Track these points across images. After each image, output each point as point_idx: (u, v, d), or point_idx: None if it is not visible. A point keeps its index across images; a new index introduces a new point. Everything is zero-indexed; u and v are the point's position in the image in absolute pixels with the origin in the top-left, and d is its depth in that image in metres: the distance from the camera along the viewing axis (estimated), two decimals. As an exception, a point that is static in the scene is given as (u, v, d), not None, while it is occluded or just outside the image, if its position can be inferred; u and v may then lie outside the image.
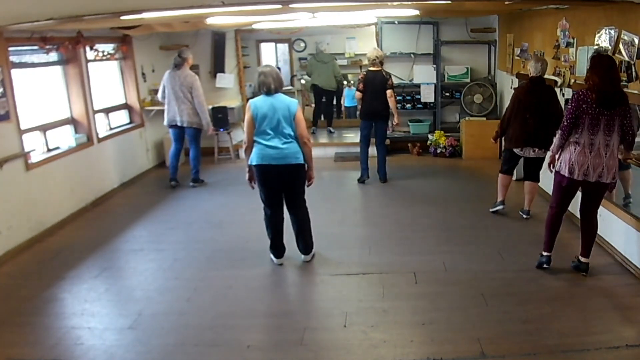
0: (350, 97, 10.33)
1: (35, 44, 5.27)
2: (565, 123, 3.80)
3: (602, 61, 3.64)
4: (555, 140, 3.93)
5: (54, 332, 3.48)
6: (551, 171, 4.08)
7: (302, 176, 4.25)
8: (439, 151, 8.04)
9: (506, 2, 4.61)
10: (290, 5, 4.34)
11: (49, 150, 5.68)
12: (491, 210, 5.47)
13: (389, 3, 4.85)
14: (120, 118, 7.31)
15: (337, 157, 8.21)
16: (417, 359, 3.08)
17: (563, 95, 5.21)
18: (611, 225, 4.30)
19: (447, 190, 6.51)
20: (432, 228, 5.18)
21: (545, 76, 5.02)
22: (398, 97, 7.46)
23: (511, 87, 6.80)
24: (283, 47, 11.94)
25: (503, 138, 5.34)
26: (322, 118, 10.07)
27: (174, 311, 3.75)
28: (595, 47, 4.35)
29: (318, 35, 10.36)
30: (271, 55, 11.90)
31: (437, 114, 8.39)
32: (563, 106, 5.04)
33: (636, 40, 3.77)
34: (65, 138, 5.97)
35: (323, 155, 8.14)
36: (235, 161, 8.19)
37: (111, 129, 6.97)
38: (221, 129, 7.76)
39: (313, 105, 10.45)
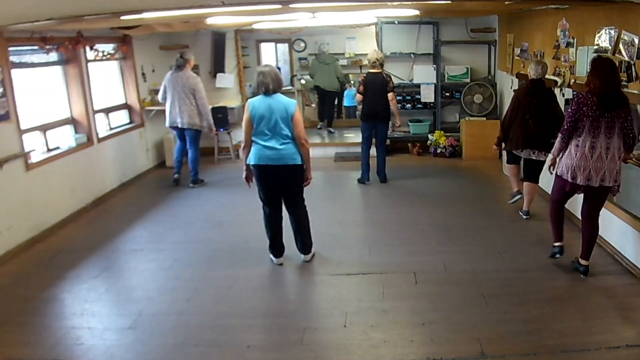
0: (350, 97, 10.34)
1: (35, 44, 5.27)
2: (566, 126, 3.80)
3: (602, 64, 3.65)
4: (556, 143, 3.94)
5: (54, 332, 3.48)
6: (552, 173, 4.09)
7: (300, 177, 4.25)
8: (439, 151, 8.04)
9: (506, 2, 4.61)
10: (290, 5, 4.34)
11: (49, 150, 5.68)
12: (510, 202, 5.57)
13: (389, 3, 4.85)
14: (120, 118, 7.31)
15: (337, 157, 8.21)
16: (417, 359, 3.08)
17: (563, 95, 5.21)
18: (611, 225, 4.29)
19: (447, 190, 6.51)
20: (432, 228, 5.18)
21: (545, 76, 5.02)
22: (398, 97, 7.46)
23: (511, 87, 6.80)
24: (283, 47, 11.93)
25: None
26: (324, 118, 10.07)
27: (174, 311, 3.75)
28: (595, 47, 4.36)
29: (318, 35, 10.36)
30: (271, 55, 11.90)
31: (437, 114, 8.39)
32: (563, 107, 5.04)
33: (636, 40, 3.77)
34: (65, 138, 5.97)
35: (323, 155, 8.15)
36: (235, 161, 8.18)
37: (111, 129, 6.97)
38: (221, 129, 7.76)
39: (313, 105, 10.46)
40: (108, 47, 6.83)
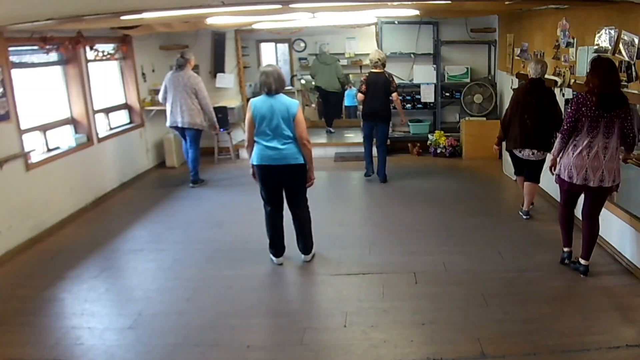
0: (351, 97, 10.34)
1: (35, 44, 5.27)
2: (566, 127, 3.81)
3: (602, 63, 3.65)
4: (556, 143, 3.95)
5: (54, 332, 3.48)
6: (552, 174, 4.09)
7: (302, 176, 4.25)
8: (439, 151, 8.04)
9: (506, 2, 4.61)
10: (290, 5, 4.34)
11: (49, 150, 5.68)
12: (524, 217, 5.33)
13: (389, 3, 4.85)
14: (120, 118, 7.30)
15: (337, 157, 8.21)
16: (417, 359, 3.08)
17: (563, 95, 5.21)
18: (611, 225, 4.29)
19: (447, 190, 6.51)
20: (432, 228, 5.18)
21: (545, 76, 5.02)
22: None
23: (511, 87, 6.80)
24: (283, 47, 11.93)
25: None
26: (323, 118, 10.07)
27: (174, 311, 3.75)
28: (595, 47, 4.35)
29: (318, 35, 10.36)
30: (271, 55, 11.89)
31: (437, 114, 8.39)
32: (563, 108, 5.04)
33: (636, 40, 3.77)
34: (65, 138, 5.97)
35: (323, 155, 8.15)
36: (235, 161, 8.19)
37: (111, 129, 6.96)
38: (221, 129, 7.76)
39: (313, 105, 10.46)
40: (108, 47, 6.82)
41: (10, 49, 4.97)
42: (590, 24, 4.51)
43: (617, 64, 3.79)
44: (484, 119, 7.89)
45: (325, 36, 10.15)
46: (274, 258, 4.46)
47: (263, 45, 11.53)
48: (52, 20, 3.80)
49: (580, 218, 4.04)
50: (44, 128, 5.63)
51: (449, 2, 5.34)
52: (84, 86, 6.16)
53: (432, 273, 4.18)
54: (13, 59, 5.07)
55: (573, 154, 3.78)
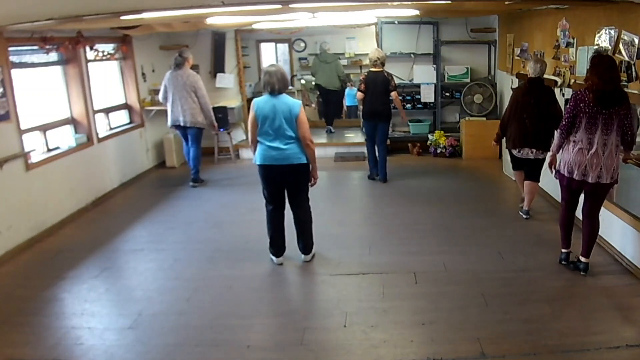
0: (351, 96, 10.33)
1: (35, 44, 5.27)
2: (564, 122, 3.84)
3: (602, 61, 3.66)
4: (555, 139, 3.98)
5: (54, 332, 3.48)
6: (552, 171, 4.09)
7: (305, 176, 4.25)
8: (439, 151, 8.04)
9: (506, 2, 4.61)
10: (290, 5, 4.34)
11: (49, 150, 5.68)
12: (523, 216, 5.33)
13: (389, 3, 4.85)
14: (120, 118, 7.30)
15: (337, 157, 8.20)
16: (417, 359, 3.08)
17: (563, 95, 5.20)
18: (612, 225, 4.30)
19: (447, 190, 6.51)
20: (432, 228, 5.18)
21: (545, 76, 5.02)
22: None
23: (511, 87, 6.80)
24: (283, 47, 11.94)
25: (504, 139, 5.35)
26: (323, 118, 10.07)
27: (174, 311, 3.75)
28: (595, 47, 4.36)
29: (318, 35, 10.37)
30: (271, 55, 11.90)
31: (437, 114, 8.39)
32: (563, 106, 5.04)
33: (636, 40, 3.77)
34: (65, 138, 5.97)
35: (323, 155, 8.14)
36: (235, 161, 8.19)
37: (111, 129, 6.96)
38: (221, 129, 7.76)
39: (313, 105, 10.45)
40: (108, 47, 6.82)
41: (10, 49, 4.97)
42: (590, 24, 4.51)
43: (617, 63, 3.79)
44: (484, 119, 7.88)
45: (325, 36, 10.17)
46: (274, 258, 4.46)
47: (263, 45, 11.54)
48: (52, 20, 3.80)
49: (581, 218, 4.04)
50: (44, 128, 5.63)
51: (449, 2, 5.34)
52: (84, 86, 6.16)
53: (432, 273, 4.18)
54: (13, 59, 5.07)
55: (573, 150, 3.79)
